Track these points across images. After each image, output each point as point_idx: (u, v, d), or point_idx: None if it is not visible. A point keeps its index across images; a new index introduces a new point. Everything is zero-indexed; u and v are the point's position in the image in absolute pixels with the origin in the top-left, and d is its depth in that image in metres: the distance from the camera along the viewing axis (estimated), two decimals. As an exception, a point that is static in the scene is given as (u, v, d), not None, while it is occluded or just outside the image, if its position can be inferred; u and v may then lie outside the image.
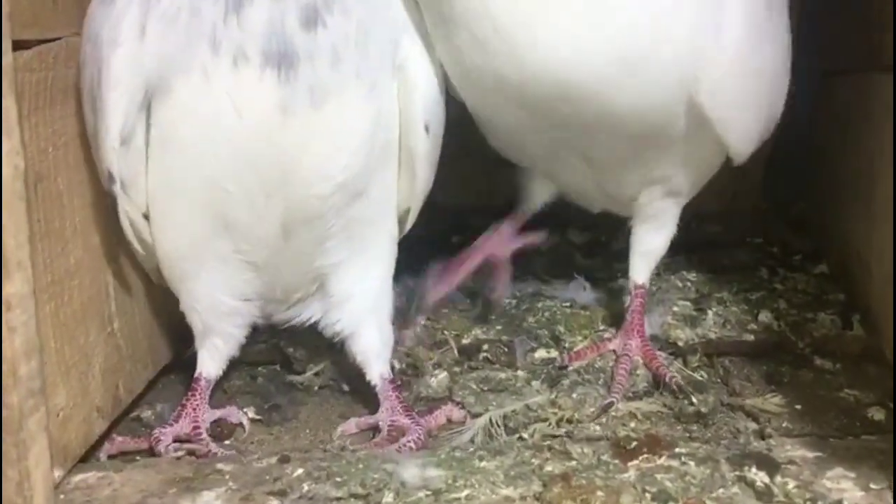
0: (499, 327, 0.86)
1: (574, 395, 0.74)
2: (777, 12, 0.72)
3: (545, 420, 0.71)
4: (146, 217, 0.65)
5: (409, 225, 0.75)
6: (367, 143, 0.65)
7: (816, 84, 1.12)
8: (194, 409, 0.70)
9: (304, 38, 0.60)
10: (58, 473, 0.58)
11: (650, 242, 0.80)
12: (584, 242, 1.03)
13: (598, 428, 0.70)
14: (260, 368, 0.81)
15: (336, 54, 0.61)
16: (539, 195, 0.86)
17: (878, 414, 0.72)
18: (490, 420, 0.71)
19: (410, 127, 0.68)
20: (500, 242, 0.87)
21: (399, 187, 0.71)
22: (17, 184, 0.45)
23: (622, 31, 0.61)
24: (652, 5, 0.61)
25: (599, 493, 0.56)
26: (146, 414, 0.74)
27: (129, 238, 0.66)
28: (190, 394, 0.71)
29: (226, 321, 0.70)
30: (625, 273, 0.82)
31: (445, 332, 0.85)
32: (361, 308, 0.72)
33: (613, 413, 0.72)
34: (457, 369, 0.80)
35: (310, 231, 0.66)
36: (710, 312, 0.86)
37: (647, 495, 0.57)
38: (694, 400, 0.73)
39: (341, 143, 0.63)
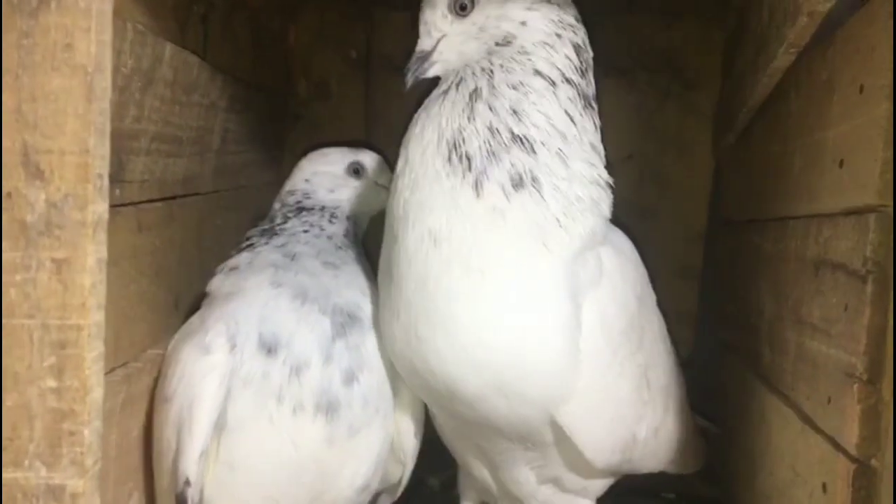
0: None
1: None
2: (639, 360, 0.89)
3: None
4: None
5: (400, 490, 0.97)
6: (381, 453, 0.88)
7: (718, 353, 1.37)
8: None
9: (344, 391, 0.83)
10: None
11: None
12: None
13: None
14: None
15: (365, 400, 0.84)
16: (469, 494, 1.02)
17: None
18: None
19: (403, 434, 0.92)
20: None
21: (390, 469, 0.94)
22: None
23: (493, 365, 0.78)
24: (517, 347, 0.78)
25: None
26: None
27: None
28: None
29: None
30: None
31: None
32: None
33: None
34: None
35: None
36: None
37: None
38: None
39: (366, 458, 0.87)
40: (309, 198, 1.01)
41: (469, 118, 0.79)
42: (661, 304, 1.07)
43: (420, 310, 0.79)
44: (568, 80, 0.82)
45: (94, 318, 0.53)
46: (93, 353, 0.53)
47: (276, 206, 1.04)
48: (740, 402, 1.13)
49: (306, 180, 1.03)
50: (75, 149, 0.51)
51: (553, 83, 0.81)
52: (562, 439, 0.83)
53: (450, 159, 0.79)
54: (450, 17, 0.85)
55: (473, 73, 0.82)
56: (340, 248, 0.97)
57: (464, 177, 0.78)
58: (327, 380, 0.82)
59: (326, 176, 1.03)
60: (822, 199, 0.78)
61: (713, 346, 1.42)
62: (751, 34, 0.97)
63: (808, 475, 0.75)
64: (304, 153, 1.45)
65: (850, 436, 0.65)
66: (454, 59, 0.84)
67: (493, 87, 0.80)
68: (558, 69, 0.82)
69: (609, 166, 1.03)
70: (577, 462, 0.86)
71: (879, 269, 0.63)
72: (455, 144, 0.79)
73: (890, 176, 0.62)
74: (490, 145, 0.78)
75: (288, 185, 1.06)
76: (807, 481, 0.75)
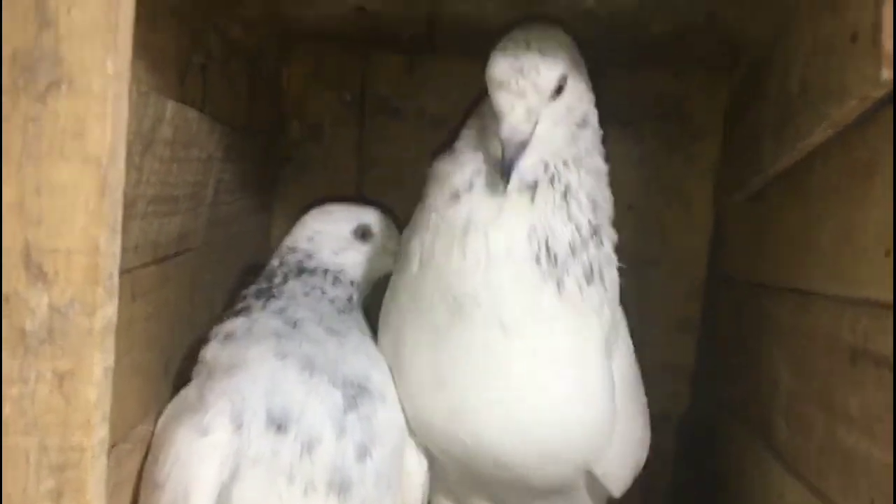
0: None
1: None
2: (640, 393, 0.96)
3: None
4: None
5: None
6: None
7: (718, 412, 1.34)
8: None
9: (357, 467, 0.78)
10: None
11: None
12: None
13: None
14: None
15: (378, 475, 0.81)
16: None
17: None
18: None
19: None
20: None
21: None
22: None
23: (541, 439, 0.82)
24: (575, 422, 0.82)
25: None
26: None
27: None
28: None
29: None
30: None
31: None
32: None
33: None
34: None
35: None
36: None
37: None
38: None
39: None
40: (311, 258, 0.96)
41: (562, 217, 0.77)
42: (659, 357, 1.21)
43: (476, 390, 0.79)
44: (606, 159, 0.81)
45: (99, 435, 0.48)
46: (96, 475, 0.48)
47: (275, 262, 0.99)
48: (747, 471, 1.09)
49: (309, 239, 0.98)
50: (84, 247, 0.46)
51: (607, 162, 0.80)
52: (592, 484, 0.88)
53: (538, 259, 0.77)
54: (547, 99, 0.77)
55: (566, 165, 0.78)
56: (342, 311, 0.92)
57: (549, 275, 0.77)
58: (340, 456, 0.78)
59: (331, 237, 0.97)
60: (861, 285, 0.74)
61: (711, 402, 1.39)
62: (772, 100, 0.94)
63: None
64: (296, 197, 1.41)
65: (905, 552, 0.61)
66: (546, 145, 0.78)
67: (581, 178, 0.78)
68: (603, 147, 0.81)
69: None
70: (600, 496, 0.92)
71: (938, 376, 0.59)
72: (547, 244, 0.76)
73: (953, 278, 0.58)
74: (575, 242, 0.77)
75: (288, 241, 1.00)
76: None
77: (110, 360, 0.48)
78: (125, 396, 0.77)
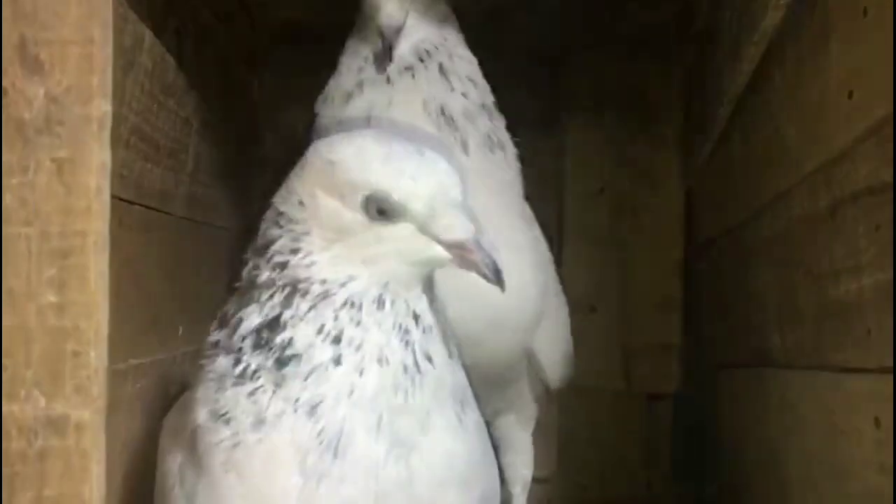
0: None
1: None
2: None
3: None
4: None
5: None
6: None
7: (714, 375, 1.33)
8: None
9: None
10: None
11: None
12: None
13: None
14: None
15: None
16: None
17: None
18: None
19: None
20: None
21: None
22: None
23: (488, 312, 0.86)
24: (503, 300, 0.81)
25: None
26: None
27: None
28: None
29: None
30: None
31: None
32: None
33: None
34: None
35: None
36: None
37: None
38: None
39: None
40: None
41: (446, 87, 0.91)
42: (648, 337, 1.37)
43: None
44: None
45: (99, 224, 0.48)
46: (99, 263, 0.47)
47: None
48: (752, 409, 1.09)
49: None
50: (78, 38, 0.47)
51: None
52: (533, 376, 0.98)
53: (439, 126, 0.88)
54: None
55: (436, 48, 0.93)
56: None
57: (452, 140, 0.89)
58: None
59: None
60: (830, 143, 0.77)
61: (703, 377, 1.38)
62: (721, 53, 0.99)
63: (856, 418, 0.70)
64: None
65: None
66: (416, 33, 0.93)
67: (453, 60, 0.92)
68: None
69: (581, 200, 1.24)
70: (538, 394, 1.01)
71: (912, 171, 0.61)
72: (442, 111, 0.89)
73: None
74: (467, 109, 0.91)
75: None
76: (853, 426, 0.71)
77: (107, 154, 0.49)
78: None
